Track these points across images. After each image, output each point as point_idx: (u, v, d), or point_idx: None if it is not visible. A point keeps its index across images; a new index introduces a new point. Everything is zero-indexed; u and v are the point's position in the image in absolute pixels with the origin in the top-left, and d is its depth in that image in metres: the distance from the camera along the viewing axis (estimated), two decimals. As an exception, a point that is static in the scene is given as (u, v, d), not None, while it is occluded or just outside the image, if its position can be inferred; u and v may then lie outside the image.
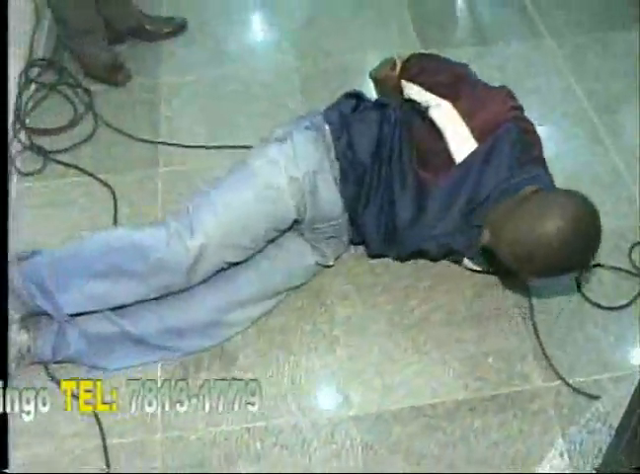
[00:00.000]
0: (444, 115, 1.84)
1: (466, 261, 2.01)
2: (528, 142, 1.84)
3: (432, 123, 1.86)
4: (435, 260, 2.08)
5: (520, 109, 1.89)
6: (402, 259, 2.09)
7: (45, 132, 2.44)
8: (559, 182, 2.22)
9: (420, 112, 1.91)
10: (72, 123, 2.48)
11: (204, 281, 1.90)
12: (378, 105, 1.99)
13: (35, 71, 2.61)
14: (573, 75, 2.64)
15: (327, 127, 1.92)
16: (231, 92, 2.62)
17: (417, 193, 1.85)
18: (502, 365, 1.91)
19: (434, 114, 1.86)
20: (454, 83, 1.88)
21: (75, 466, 1.77)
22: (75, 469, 1.77)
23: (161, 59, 2.74)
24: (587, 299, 2.03)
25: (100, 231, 1.95)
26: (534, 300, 2.01)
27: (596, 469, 1.58)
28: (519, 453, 1.76)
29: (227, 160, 2.19)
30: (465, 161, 1.80)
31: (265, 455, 1.78)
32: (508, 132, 1.79)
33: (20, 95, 2.50)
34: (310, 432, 1.82)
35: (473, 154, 1.79)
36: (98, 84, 2.61)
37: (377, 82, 2.11)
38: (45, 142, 2.42)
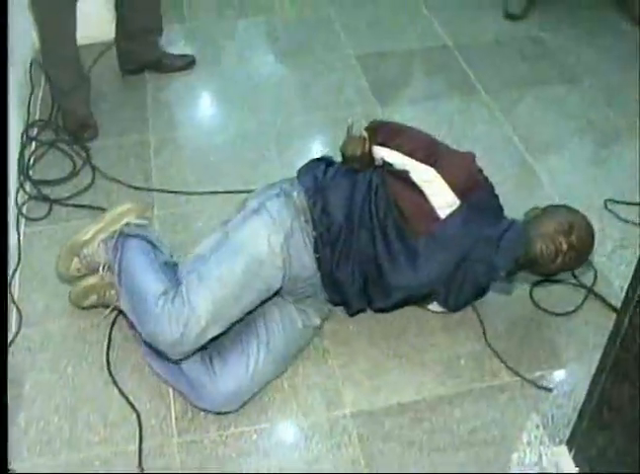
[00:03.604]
0: (426, 177, 1.93)
1: (431, 306, 2.15)
2: (497, 197, 2.05)
3: (412, 183, 1.95)
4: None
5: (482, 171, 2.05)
6: (385, 310, 2.13)
7: (48, 183, 2.56)
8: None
9: (397, 173, 1.98)
10: (72, 175, 2.60)
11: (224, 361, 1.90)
12: (349, 171, 2.03)
13: (34, 130, 2.74)
14: (509, 124, 2.90)
15: (295, 193, 1.95)
16: (215, 145, 2.80)
17: (404, 249, 1.93)
18: (473, 365, 2.07)
19: (414, 176, 1.95)
20: (429, 147, 1.98)
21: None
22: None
23: (147, 117, 2.90)
24: (540, 308, 2.22)
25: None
26: (493, 310, 2.20)
27: (567, 441, 1.74)
28: (496, 436, 1.91)
29: (215, 203, 2.36)
30: (452, 216, 1.92)
31: (273, 452, 1.88)
32: (484, 190, 2.00)
33: (22, 152, 2.62)
34: (311, 429, 1.93)
35: (458, 210, 1.92)
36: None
37: (352, 158, 2.05)
38: (49, 192, 2.53)
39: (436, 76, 3.21)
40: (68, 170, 2.63)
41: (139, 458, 1.86)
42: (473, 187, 1.96)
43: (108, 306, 2.10)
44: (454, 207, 1.93)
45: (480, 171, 2.03)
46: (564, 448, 1.73)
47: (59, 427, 1.92)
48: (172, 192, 2.57)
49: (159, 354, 1.92)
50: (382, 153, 2.01)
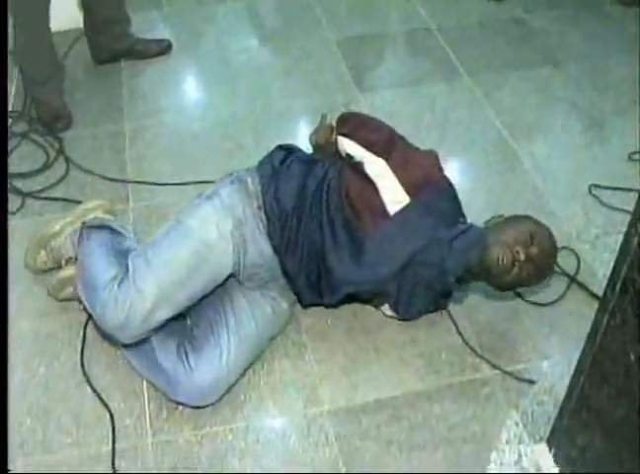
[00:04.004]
0: (378, 170, 1.87)
1: (383, 308, 2.07)
2: (456, 198, 1.94)
3: (366, 177, 1.90)
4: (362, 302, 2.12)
5: (443, 169, 1.96)
6: (333, 305, 2.07)
7: (21, 176, 2.49)
8: (485, 202, 2.43)
9: (354, 165, 1.93)
10: (45, 167, 2.53)
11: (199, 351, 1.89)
12: (307, 160, 2.00)
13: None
14: (491, 108, 2.84)
15: (249, 179, 1.93)
16: (191, 134, 2.73)
17: (350, 244, 1.86)
18: (454, 359, 2.02)
19: (368, 169, 1.89)
20: (387, 141, 1.93)
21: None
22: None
23: (122, 106, 2.83)
24: (521, 298, 2.17)
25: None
26: (474, 301, 2.16)
27: (547, 440, 1.70)
28: (476, 432, 1.86)
29: (191, 193, 2.28)
30: (401, 213, 1.85)
31: (249, 452, 1.83)
32: (439, 190, 1.89)
33: (-6, 144, 2.55)
34: (288, 428, 1.88)
35: (408, 207, 1.85)
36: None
37: (318, 147, 2.07)
38: (21, 185, 2.46)
39: (417, 59, 3.14)
40: (41, 162, 2.56)
41: (112, 460, 1.81)
42: (426, 185, 1.87)
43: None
44: (402, 205, 1.85)
45: (440, 170, 1.94)
46: (544, 447, 1.69)
47: (32, 428, 1.87)
48: (147, 183, 2.51)
49: (139, 350, 1.90)
50: (344, 144, 1.97)
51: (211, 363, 1.86)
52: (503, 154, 2.66)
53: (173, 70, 3.04)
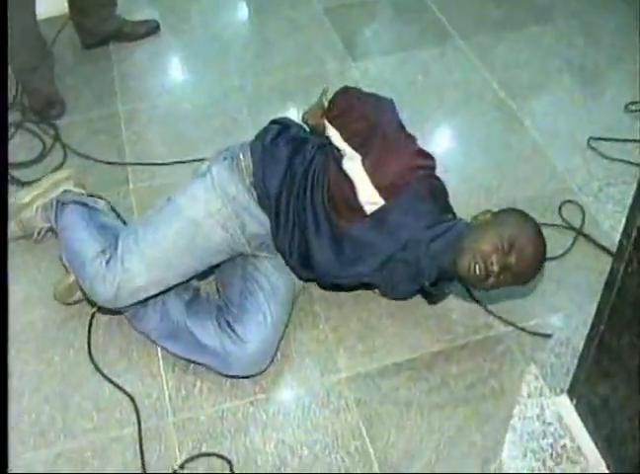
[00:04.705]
0: (354, 169, 1.75)
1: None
2: (437, 198, 1.80)
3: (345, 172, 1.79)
4: None
5: (429, 167, 1.82)
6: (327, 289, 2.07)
7: (19, 165, 2.45)
8: (485, 162, 2.40)
9: (336, 158, 1.82)
10: (42, 155, 2.49)
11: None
12: (298, 139, 1.91)
13: (-1, 113, 2.62)
14: (486, 70, 2.81)
15: (242, 155, 1.88)
16: (186, 113, 2.69)
17: (331, 236, 1.79)
18: (466, 318, 2.01)
19: (345, 165, 1.78)
20: (369, 133, 1.77)
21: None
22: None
23: (114, 89, 2.78)
24: (529, 254, 2.16)
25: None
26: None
27: (567, 391, 1.69)
28: (494, 389, 1.86)
29: (191, 173, 2.24)
30: (377, 214, 1.74)
31: (271, 424, 1.83)
32: (415, 193, 1.74)
33: (-12, 136, 2.51)
34: (308, 397, 1.88)
35: (383, 209, 1.74)
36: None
37: (310, 127, 2.00)
38: (20, 175, 2.43)
39: (408, 24, 3.09)
40: (38, 150, 2.51)
41: (140, 443, 1.80)
42: (401, 189, 1.72)
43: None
44: (378, 206, 1.74)
45: (424, 168, 1.79)
46: (565, 398, 1.69)
47: (52, 417, 1.86)
48: (146, 164, 2.47)
49: (176, 337, 1.90)
50: (329, 131, 1.87)
51: (258, 328, 1.85)
52: (501, 113, 2.64)
53: (162, 50, 3.00)
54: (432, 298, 1.99)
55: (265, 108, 2.69)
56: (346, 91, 1.93)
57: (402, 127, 1.85)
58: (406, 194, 1.73)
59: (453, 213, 1.87)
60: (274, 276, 1.93)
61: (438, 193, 1.81)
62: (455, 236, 1.74)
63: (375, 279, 1.89)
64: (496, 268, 1.68)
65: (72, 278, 2.00)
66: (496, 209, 1.81)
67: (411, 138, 1.84)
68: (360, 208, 1.75)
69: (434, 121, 2.64)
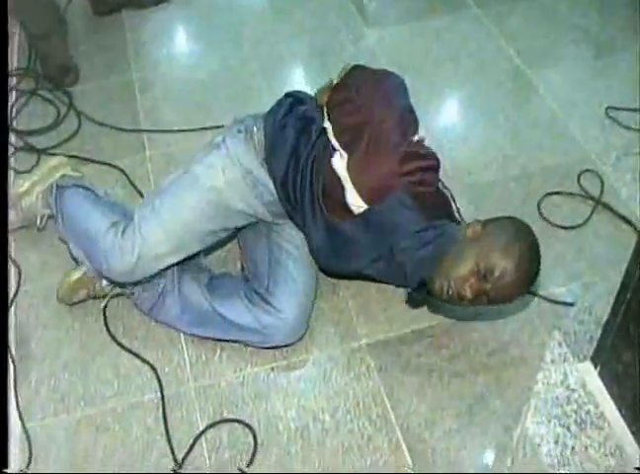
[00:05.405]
0: (341, 168, 1.65)
1: None
2: (425, 206, 1.64)
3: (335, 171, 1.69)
4: None
5: (422, 170, 1.64)
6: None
7: (34, 133, 2.41)
8: (502, 130, 2.38)
9: (330, 153, 1.71)
10: (57, 123, 2.45)
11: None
12: (307, 117, 1.80)
13: (13, 80, 2.58)
14: (502, 38, 2.76)
15: (255, 129, 1.81)
16: (200, 80, 2.65)
17: (326, 227, 1.73)
18: (486, 286, 1.99)
19: (335, 163, 1.67)
20: (357, 133, 1.65)
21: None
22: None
23: (128, 57, 2.73)
24: (548, 222, 2.13)
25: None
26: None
27: (591, 358, 1.67)
28: (515, 357, 1.84)
29: (206, 139, 2.20)
30: (362, 217, 1.65)
31: (292, 390, 1.82)
32: (399, 200, 1.61)
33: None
34: (329, 363, 1.86)
35: (367, 213, 1.64)
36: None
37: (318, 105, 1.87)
38: (35, 142, 2.39)
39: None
40: (52, 118, 2.47)
41: (163, 408, 1.79)
42: (384, 195, 1.60)
43: (99, 297, 1.99)
44: (363, 209, 1.64)
45: (411, 173, 1.61)
46: (589, 365, 1.67)
47: (71, 383, 1.84)
48: (162, 131, 2.44)
49: (204, 323, 1.88)
50: (325, 123, 1.75)
51: (291, 294, 1.83)
52: (517, 82, 2.59)
53: (175, 18, 2.94)
54: (414, 303, 1.86)
55: (279, 75, 2.66)
56: (351, 74, 1.79)
57: (402, 120, 1.68)
58: (389, 201, 1.60)
59: (452, 217, 1.75)
60: (300, 241, 1.88)
61: (427, 199, 1.64)
62: (439, 249, 1.62)
63: (370, 272, 1.81)
64: (469, 294, 1.58)
65: (75, 276, 1.94)
66: (488, 217, 1.69)
67: (407, 135, 1.66)
68: (348, 208, 1.66)
69: (450, 90, 2.61)
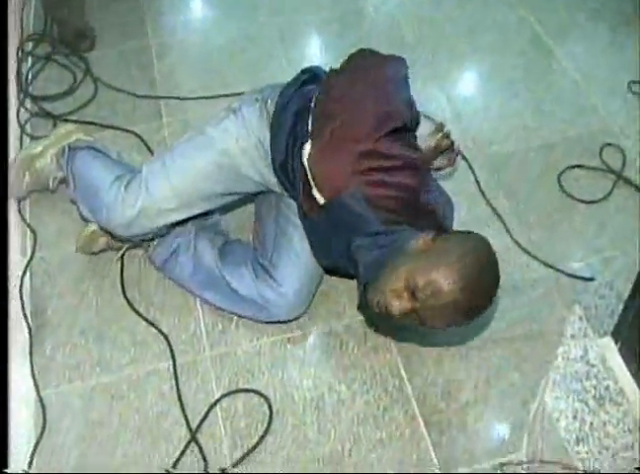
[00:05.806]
0: (304, 161, 1.58)
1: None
2: (380, 208, 1.52)
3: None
4: None
5: (377, 170, 1.53)
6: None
7: (50, 98, 2.37)
8: (524, 101, 2.34)
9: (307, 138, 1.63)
10: (73, 88, 2.41)
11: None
12: (309, 99, 1.68)
13: (29, 45, 2.54)
14: (523, 8, 2.69)
15: (269, 101, 1.74)
16: (218, 46, 2.60)
17: (303, 217, 1.70)
18: (504, 259, 1.92)
19: (304, 150, 1.58)
20: (326, 120, 1.58)
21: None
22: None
23: (145, 22, 2.68)
24: (569, 196, 2.10)
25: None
26: (522, 205, 2.08)
27: (612, 333, 1.64)
28: (534, 330, 1.82)
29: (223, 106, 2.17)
30: (325, 208, 1.56)
31: (308, 360, 1.80)
32: (354, 198, 1.51)
33: (19, 68, 2.43)
34: (345, 334, 1.84)
35: (324, 207, 1.56)
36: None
37: None
38: (51, 108, 2.35)
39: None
40: (68, 83, 2.43)
41: (175, 377, 1.77)
42: (339, 191, 1.51)
43: (118, 249, 1.98)
44: (322, 202, 1.56)
45: (369, 171, 1.52)
46: (610, 340, 1.63)
47: (87, 350, 1.83)
48: (179, 98, 2.40)
49: (214, 286, 1.85)
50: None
51: (293, 268, 1.79)
52: (539, 53, 2.54)
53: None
54: (362, 308, 1.80)
55: (298, 43, 2.61)
56: (352, 58, 1.73)
57: (382, 113, 1.57)
58: (341, 198, 1.51)
59: (435, 226, 1.56)
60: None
61: (384, 202, 1.53)
62: (389, 256, 1.49)
63: (349, 271, 1.70)
64: (395, 310, 1.43)
65: (93, 227, 1.93)
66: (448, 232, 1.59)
67: (382, 130, 1.54)
68: (316, 200, 1.57)
69: (471, 60, 2.55)
